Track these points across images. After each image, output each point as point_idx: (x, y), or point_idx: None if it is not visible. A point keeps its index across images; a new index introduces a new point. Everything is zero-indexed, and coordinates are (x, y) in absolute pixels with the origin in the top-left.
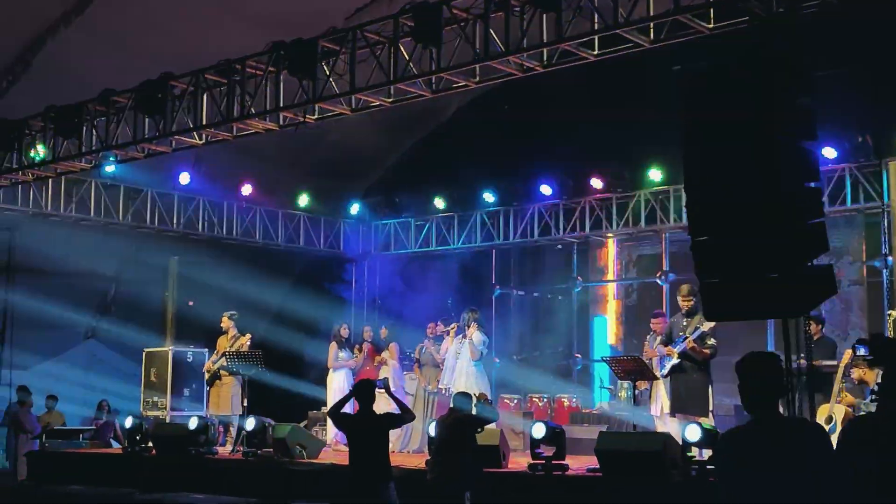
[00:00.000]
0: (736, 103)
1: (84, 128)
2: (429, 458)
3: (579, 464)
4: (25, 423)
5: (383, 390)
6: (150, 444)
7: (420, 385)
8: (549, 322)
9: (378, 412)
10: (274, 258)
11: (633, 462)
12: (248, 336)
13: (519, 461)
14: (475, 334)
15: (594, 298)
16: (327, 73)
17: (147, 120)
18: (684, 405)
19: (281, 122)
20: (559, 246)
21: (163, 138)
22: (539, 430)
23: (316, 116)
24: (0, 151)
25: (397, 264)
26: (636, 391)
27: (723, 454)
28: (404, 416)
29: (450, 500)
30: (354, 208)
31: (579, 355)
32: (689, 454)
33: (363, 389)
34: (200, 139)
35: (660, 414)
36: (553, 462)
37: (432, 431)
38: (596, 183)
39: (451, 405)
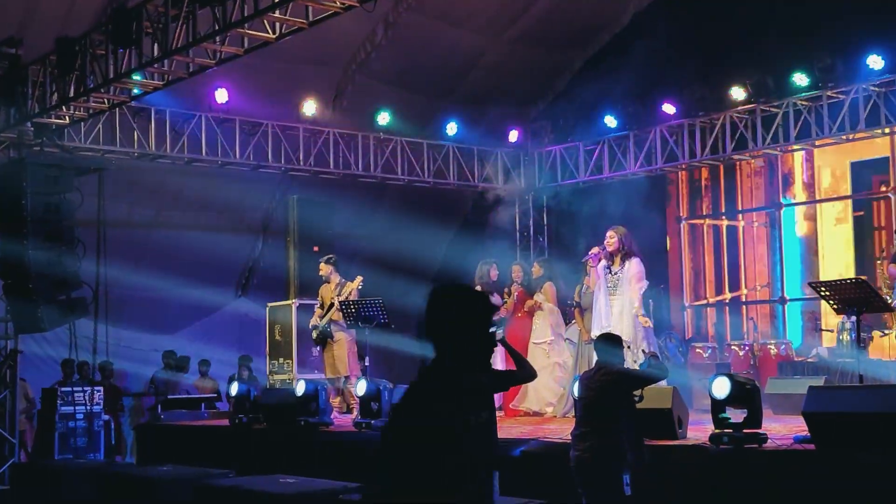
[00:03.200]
0: None
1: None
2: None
3: (787, 431)
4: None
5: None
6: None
7: (582, 335)
8: (751, 254)
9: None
10: (418, 195)
11: (861, 429)
12: (360, 278)
13: (706, 430)
14: (632, 262)
15: (803, 222)
16: None
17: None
18: None
19: None
20: (757, 161)
21: (224, 33)
22: (721, 388)
23: None
24: (68, 75)
25: (564, 196)
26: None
27: None
28: (518, 374)
29: (601, 484)
30: (513, 136)
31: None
32: None
33: None
34: (273, 32)
35: None
36: (744, 431)
37: (577, 392)
38: (800, 79)
39: (597, 359)
